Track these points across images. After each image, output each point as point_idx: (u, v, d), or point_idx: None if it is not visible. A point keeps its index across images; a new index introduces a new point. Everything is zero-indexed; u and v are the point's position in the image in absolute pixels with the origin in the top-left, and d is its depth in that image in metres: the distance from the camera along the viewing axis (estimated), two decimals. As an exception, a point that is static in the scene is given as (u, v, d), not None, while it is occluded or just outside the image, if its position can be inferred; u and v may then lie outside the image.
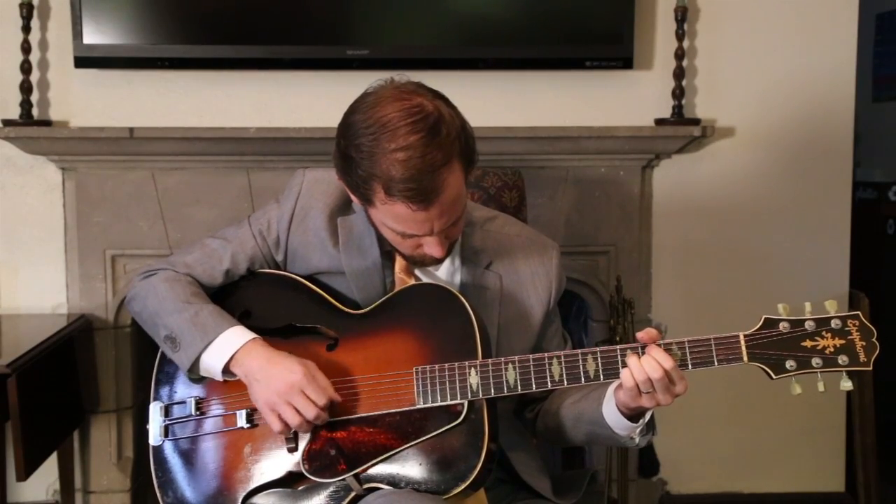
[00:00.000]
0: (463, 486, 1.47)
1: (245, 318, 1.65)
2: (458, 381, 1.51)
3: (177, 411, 1.66)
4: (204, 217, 2.68)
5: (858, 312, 1.46)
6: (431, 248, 1.53)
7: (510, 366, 1.51)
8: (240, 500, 1.59)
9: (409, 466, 1.50)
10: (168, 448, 1.66)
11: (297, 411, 1.52)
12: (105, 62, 2.62)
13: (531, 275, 1.69)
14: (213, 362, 1.58)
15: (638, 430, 1.55)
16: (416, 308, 1.58)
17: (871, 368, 1.44)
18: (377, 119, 1.45)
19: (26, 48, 2.60)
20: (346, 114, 1.52)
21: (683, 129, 2.69)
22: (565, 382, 1.50)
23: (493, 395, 1.50)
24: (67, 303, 2.73)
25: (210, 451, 1.63)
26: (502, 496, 1.65)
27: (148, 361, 1.76)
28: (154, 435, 1.67)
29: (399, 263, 1.64)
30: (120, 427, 2.76)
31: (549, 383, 1.51)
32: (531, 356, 1.52)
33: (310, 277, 1.69)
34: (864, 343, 1.44)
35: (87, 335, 2.68)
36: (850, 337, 1.45)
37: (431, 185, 1.44)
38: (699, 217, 2.83)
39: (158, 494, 1.65)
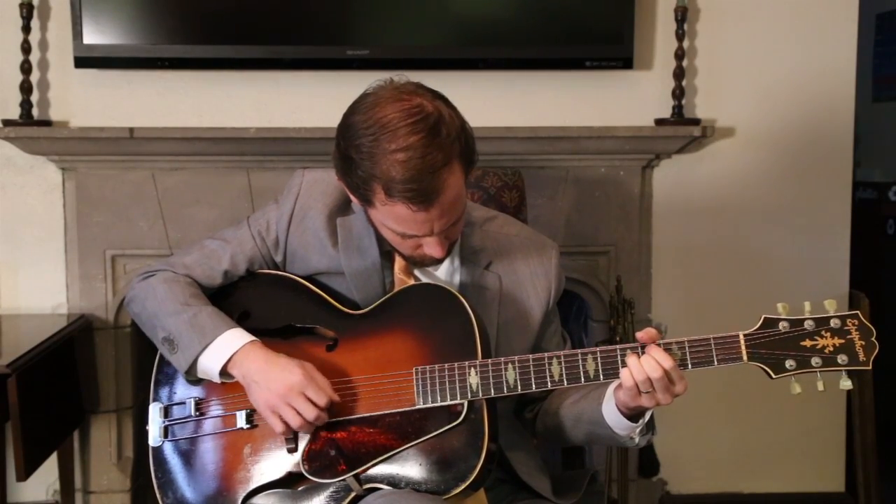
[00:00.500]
0: (463, 487, 1.47)
1: (244, 319, 1.66)
2: (457, 382, 1.51)
3: (176, 412, 1.66)
4: (204, 217, 2.68)
5: (858, 312, 1.46)
6: (431, 248, 1.53)
7: (510, 366, 1.51)
8: (239, 500, 1.58)
9: (409, 467, 1.50)
10: (168, 449, 1.66)
11: (298, 413, 1.52)
12: (105, 62, 2.62)
13: (530, 275, 1.69)
14: (210, 364, 1.58)
15: (638, 430, 1.55)
16: (415, 308, 1.58)
17: (870, 368, 1.44)
18: (377, 120, 1.45)
19: (26, 48, 2.60)
20: (346, 114, 1.52)
21: (683, 129, 2.69)
22: (565, 382, 1.50)
23: (492, 395, 1.50)
24: (67, 303, 2.73)
25: (210, 452, 1.63)
26: (502, 496, 1.65)
27: (148, 361, 1.76)
28: (154, 436, 1.67)
29: (398, 263, 1.64)
30: (120, 427, 2.76)
31: (549, 383, 1.51)
32: (531, 356, 1.52)
33: (309, 278, 1.69)
34: (863, 342, 1.45)
35: (87, 335, 2.69)
36: (849, 336, 1.45)
37: (432, 185, 1.44)
38: (699, 217, 2.83)
39: (158, 495, 1.65)
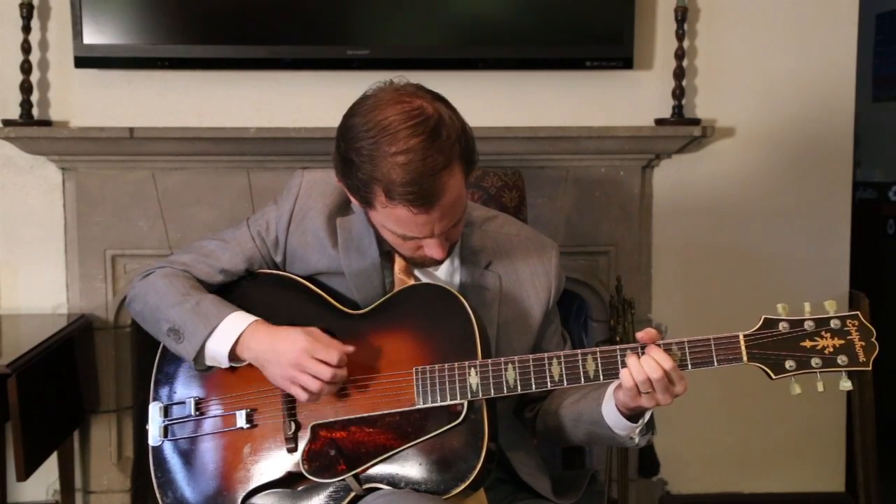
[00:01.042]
0: (463, 486, 1.47)
1: (244, 319, 1.65)
2: (457, 382, 1.51)
3: (176, 412, 1.67)
4: (204, 217, 2.68)
5: (858, 312, 1.46)
6: (432, 249, 1.53)
7: (510, 366, 1.51)
8: (239, 500, 1.59)
9: (409, 466, 1.50)
10: (167, 448, 1.66)
11: (314, 376, 1.52)
12: (105, 62, 2.62)
13: (530, 275, 1.69)
14: (218, 348, 1.59)
15: (637, 430, 1.55)
16: (415, 308, 1.58)
17: (870, 368, 1.44)
18: (377, 122, 1.45)
19: (26, 48, 2.60)
20: (346, 116, 1.52)
21: (683, 129, 2.69)
22: (565, 382, 1.50)
23: (492, 395, 1.50)
24: (67, 303, 2.73)
25: (209, 452, 1.63)
26: (502, 496, 1.65)
27: (148, 361, 1.76)
28: (153, 435, 1.67)
29: (398, 264, 1.64)
30: (120, 427, 2.76)
31: (549, 383, 1.51)
32: (531, 356, 1.52)
33: (309, 278, 1.69)
34: (863, 343, 1.44)
35: (87, 335, 2.69)
36: (849, 337, 1.45)
37: (432, 188, 1.44)
38: (699, 217, 2.83)
39: (158, 495, 1.65)
